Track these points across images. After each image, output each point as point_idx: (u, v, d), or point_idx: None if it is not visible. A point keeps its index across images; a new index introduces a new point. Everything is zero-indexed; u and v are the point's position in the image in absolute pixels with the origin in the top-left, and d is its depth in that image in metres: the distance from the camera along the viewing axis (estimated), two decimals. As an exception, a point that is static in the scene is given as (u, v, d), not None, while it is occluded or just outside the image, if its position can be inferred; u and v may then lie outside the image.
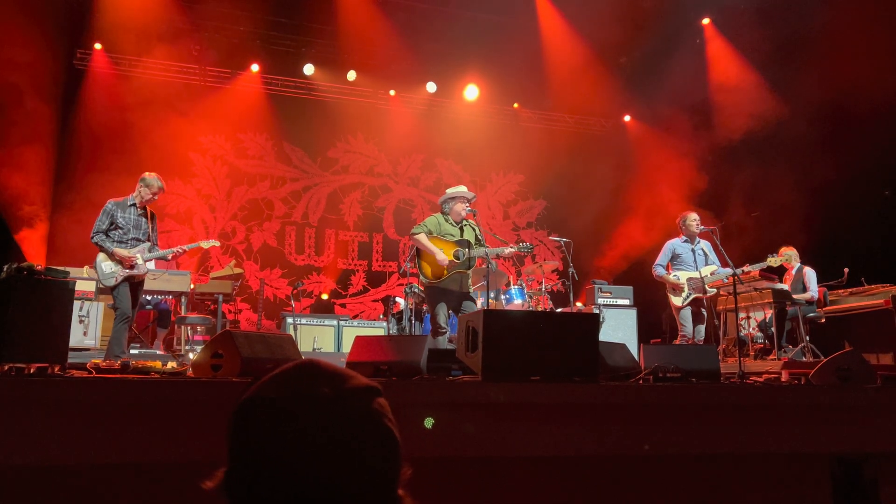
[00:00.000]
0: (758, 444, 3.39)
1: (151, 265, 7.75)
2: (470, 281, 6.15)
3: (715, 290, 6.98)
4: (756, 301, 7.66)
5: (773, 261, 7.02)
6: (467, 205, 6.16)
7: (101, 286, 7.52)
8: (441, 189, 11.52)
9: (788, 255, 7.76)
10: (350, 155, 11.39)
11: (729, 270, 6.80)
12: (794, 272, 7.80)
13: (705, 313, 7.00)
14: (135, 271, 5.83)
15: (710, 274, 6.88)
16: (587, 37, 10.81)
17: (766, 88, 9.66)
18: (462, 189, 6.31)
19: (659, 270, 7.09)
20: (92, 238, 5.83)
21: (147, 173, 6.01)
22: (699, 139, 10.39)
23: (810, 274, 7.71)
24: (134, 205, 5.94)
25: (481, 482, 3.03)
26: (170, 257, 6.22)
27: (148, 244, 5.98)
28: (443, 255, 5.87)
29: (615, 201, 11.16)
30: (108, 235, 5.83)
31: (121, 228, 5.86)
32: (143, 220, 6.01)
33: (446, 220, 6.12)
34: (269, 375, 0.97)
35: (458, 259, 5.89)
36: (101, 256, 5.82)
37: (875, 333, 7.22)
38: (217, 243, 7.05)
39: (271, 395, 0.93)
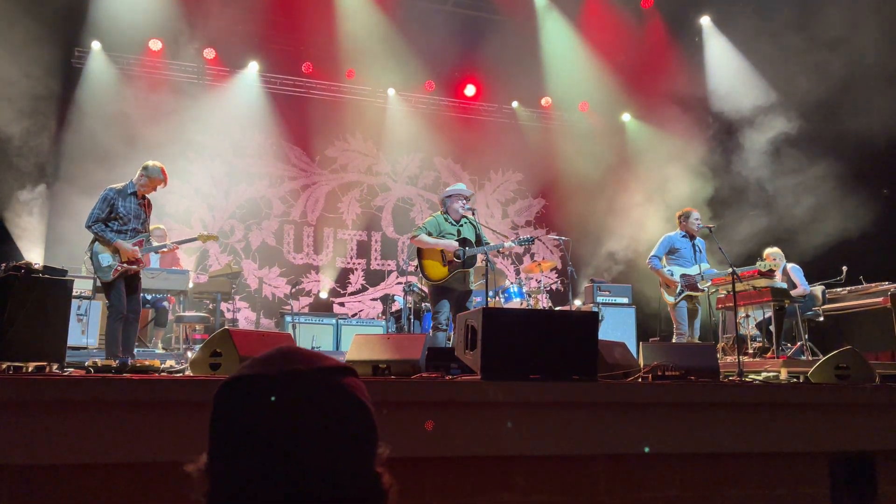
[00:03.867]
0: (757, 442, 3.39)
1: (156, 262, 7.70)
2: (472, 278, 6.19)
3: (707, 286, 6.99)
4: (755, 299, 7.67)
5: (762, 265, 7.00)
6: (465, 202, 6.17)
7: (97, 284, 7.49)
8: (440, 187, 11.56)
9: (775, 254, 7.75)
10: (348, 154, 11.38)
11: (716, 271, 6.86)
12: (779, 272, 7.79)
13: (700, 308, 7.02)
14: (133, 266, 5.51)
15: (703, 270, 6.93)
16: (586, 35, 10.82)
17: (764, 86, 9.67)
18: (461, 186, 6.34)
19: (654, 262, 7.09)
20: (90, 226, 5.44)
21: (150, 161, 5.69)
22: (697, 137, 10.40)
23: (795, 270, 7.72)
24: (134, 193, 5.61)
25: (480, 481, 3.02)
26: (167, 249, 5.87)
27: (146, 235, 5.68)
28: (452, 242, 5.92)
29: (614, 200, 11.16)
30: (106, 225, 5.47)
31: (121, 218, 5.50)
32: (143, 210, 5.69)
33: (446, 220, 6.14)
34: (251, 360, 1.01)
35: (458, 258, 5.92)
36: (98, 247, 5.44)
37: (874, 332, 7.23)
38: (216, 238, 6.75)
39: (248, 373, 0.97)
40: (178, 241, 5.95)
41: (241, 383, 0.96)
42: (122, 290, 5.54)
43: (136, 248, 5.53)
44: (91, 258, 5.53)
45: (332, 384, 0.96)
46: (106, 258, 5.46)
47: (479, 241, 6.17)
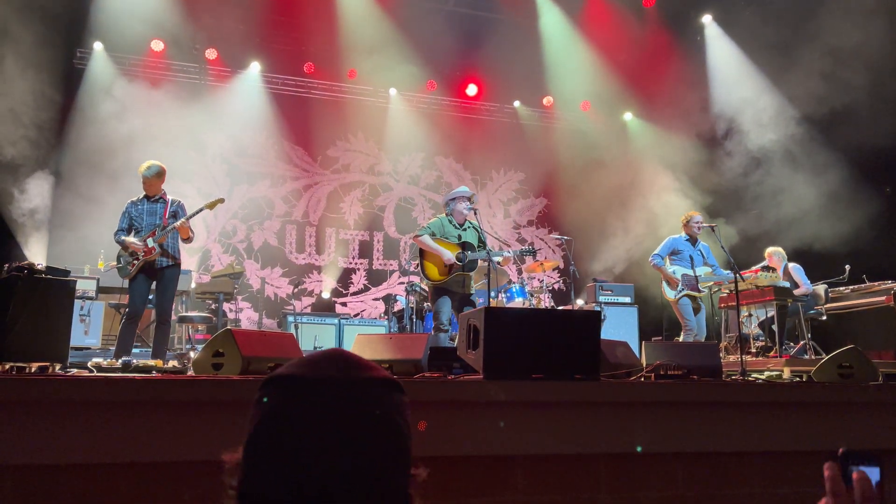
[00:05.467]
0: (759, 441, 3.38)
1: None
2: (472, 281, 6.22)
3: (707, 289, 7.04)
4: (758, 298, 7.66)
5: (763, 268, 7.03)
6: (469, 204, 6.21)
7: (105, 285, 7.61)
8: (441, 187, 11.56)
9: (776, 253, 7.74)
10: (350, 153, 11.38)
11: (727, 274, 6.87)
12: (780, 271, 7.79)
13: (703, 304, 7.06)
14: (149, 257, 5.76)
15: (704, 274, 6.95)
16: (587, 34, 10.81)
17: (766, 86, 9.66)
18: (463, 189, 6.39)
19: (657, 260, 7.15)
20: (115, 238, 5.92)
21: (143, 164, 6.01)
22: (700, 137, 10.38)
23: (796, 270, 7.73)
24: (145, 196, 6.01)
25: (481, 481, 3.02)
26: (177, 225, 5.82)
27: (159, 225, 5.89)
28: (449, 253, 5.95)
29: (616, 199, 11.15)
30: (128, 233, 5.90)
31: (135, 222, 5.92)
32: (159, 205, 5.99)
33: (450, 222, 6.19)
34: (299, 359, 1.02)
35: (460, 262, 5.97)
36: (120, 251, 5.87)
37: (877, 331, 7.22)
38: (223, 200, 6.58)
39: (295, 373, 0.98)
40: (187, 216, 5.98)
41: (285, 382, 0.96)
42: (138, 291, 5.81)
43: (146, 240, 5.77)
44: (117, 268, 5.94)
45: (371, 398, 0.96)
46: (125, 258, 5.86)
47: (483, 246, 6.20)
